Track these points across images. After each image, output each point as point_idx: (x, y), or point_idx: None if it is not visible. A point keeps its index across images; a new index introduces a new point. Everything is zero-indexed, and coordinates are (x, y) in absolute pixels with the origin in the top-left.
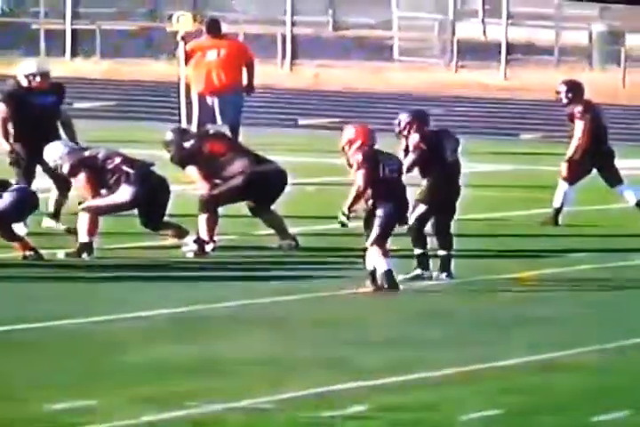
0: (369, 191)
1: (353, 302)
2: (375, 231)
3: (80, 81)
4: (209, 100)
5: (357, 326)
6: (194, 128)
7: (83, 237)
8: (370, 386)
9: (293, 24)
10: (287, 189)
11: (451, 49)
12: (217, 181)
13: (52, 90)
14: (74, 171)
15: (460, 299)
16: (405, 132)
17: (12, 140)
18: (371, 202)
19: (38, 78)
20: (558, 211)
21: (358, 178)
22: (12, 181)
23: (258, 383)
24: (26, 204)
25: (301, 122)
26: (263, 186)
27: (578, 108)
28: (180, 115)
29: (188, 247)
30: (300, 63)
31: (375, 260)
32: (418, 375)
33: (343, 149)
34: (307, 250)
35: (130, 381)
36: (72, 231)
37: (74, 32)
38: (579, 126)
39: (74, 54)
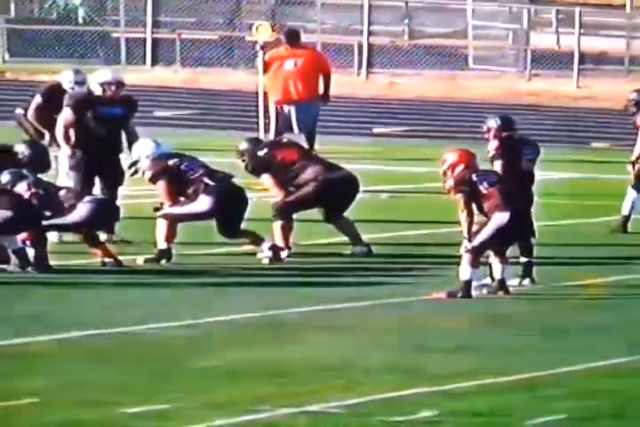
0: (475, 211)
1: (424, 309)
2: (475, 241)
3: (160, 89)
4: (286, 108)
5: (427, 333)
6: (271, 136)
7: (161, 243)
8: (439, 391)
9: (370, 33)
10: (361, 196)
11: (524, 58)
12: (290, 188)
13: (123, 101)
14: (155, 178)
15: (529, 306)
16: (487, 137)
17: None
18: (475, 223)
19: (113, 87)
20: (627, 218)
21: (460, 202)
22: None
23: (328, 388)
24: (105, 214)
25: (376, 130)
26: (335, 193)
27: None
28: (258, 123)
29: (264, 254)
30: (376, 72)
31: (462, 266)
32: (485, 381)
33: (445, 173)
34: (379, 256)
35: (203, 385)
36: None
37: (154, 41)
38: None
39: (154, 63)
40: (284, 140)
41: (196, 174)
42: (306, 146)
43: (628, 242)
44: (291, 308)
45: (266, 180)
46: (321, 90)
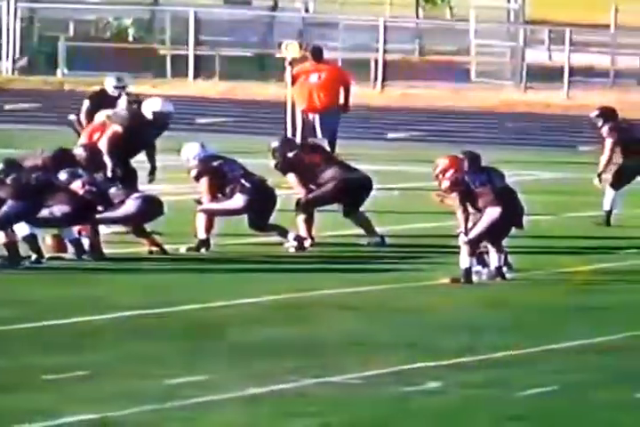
0: (469, 208)
1: (431, 292)
2: (471, 234)
3: (201, 100)
4: (310, 116)
5: (434, 313)
6: (297, 140)
7: (201, 234)
8: (444, 365)
9: (385, 51)
10: (375, 193)
11: (520, 72)
12: (312, 186)
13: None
14: (199, 176)
15: (525, 290)
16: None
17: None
18: (470, 217)
19: (162, 117)
20: (609, 213)
21: (455, 201)
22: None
23: (348, 362)
24: (151, 208)
25: (390, 135)
26: (352, 191)
27: (605, 128)
28: (285, 129)
29: (290, 244)
30: (389, 84)
31: (462, 256)
32: (485, 356)
33: (437, 176)
34: (391, 246)
35: (238, 359)
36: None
37: (196, 57)
38: (607, 143)
39: (196, 76)
40: (311, 142)
41: (236, 175)
42: (328, 149)
43: (611, 235)
44: (315, 291)
45: (291, 178)
46: (342, 100)
